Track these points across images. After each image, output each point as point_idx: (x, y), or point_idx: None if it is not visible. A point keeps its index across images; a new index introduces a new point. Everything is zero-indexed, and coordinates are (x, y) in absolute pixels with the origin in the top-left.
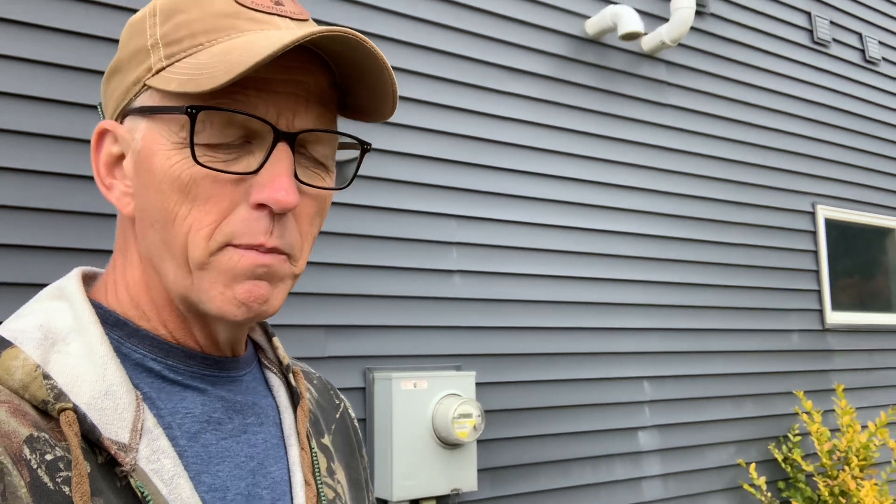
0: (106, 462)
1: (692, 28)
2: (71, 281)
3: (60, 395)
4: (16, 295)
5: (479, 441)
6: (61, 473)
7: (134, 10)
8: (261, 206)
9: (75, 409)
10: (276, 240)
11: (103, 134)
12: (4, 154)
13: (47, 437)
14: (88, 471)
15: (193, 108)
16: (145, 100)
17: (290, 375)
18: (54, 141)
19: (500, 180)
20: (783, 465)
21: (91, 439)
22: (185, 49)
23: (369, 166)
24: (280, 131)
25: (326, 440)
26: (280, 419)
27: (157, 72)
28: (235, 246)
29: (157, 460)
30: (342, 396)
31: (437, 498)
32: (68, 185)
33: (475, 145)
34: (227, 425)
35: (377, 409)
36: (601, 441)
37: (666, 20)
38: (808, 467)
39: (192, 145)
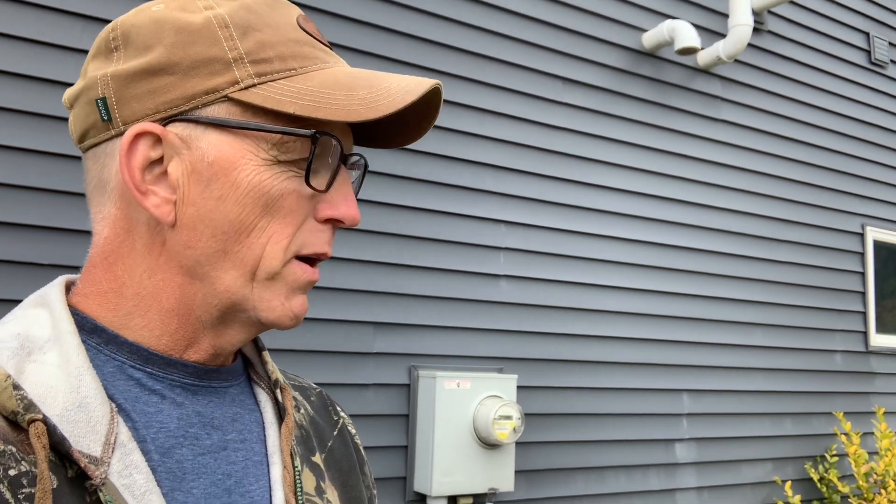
0: (76, 476)
1: (749, 45)
2: (53, 288)
3: (30, 406)
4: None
5: (517, 443)
6: (24, 490)
7: None
8: (327, 220)
9: (45, 421)
10: (331, 249)
11: (140, 136)
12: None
13: (14, 450)
14: (55, 485)
15: (318, 133)
16: (219, 112)
17: (278, 391)
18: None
19: (550, 188)
20: (819, 485)
21: (61, 451)
22: (276, 71)
23: (423, 170)
24: (345, 153)
25: (317, 458)
26: (265, 435)
27: (247, 87)
28: (300, 258)
29: (129, 475)
30: (342, 413)
31: (475, 496)
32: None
33: (528, 153)
34: (204, 441)
35: (420, 406)
36: (638, 450)
37: (723, 36)
38: (844, 489)
39: (308, 168)
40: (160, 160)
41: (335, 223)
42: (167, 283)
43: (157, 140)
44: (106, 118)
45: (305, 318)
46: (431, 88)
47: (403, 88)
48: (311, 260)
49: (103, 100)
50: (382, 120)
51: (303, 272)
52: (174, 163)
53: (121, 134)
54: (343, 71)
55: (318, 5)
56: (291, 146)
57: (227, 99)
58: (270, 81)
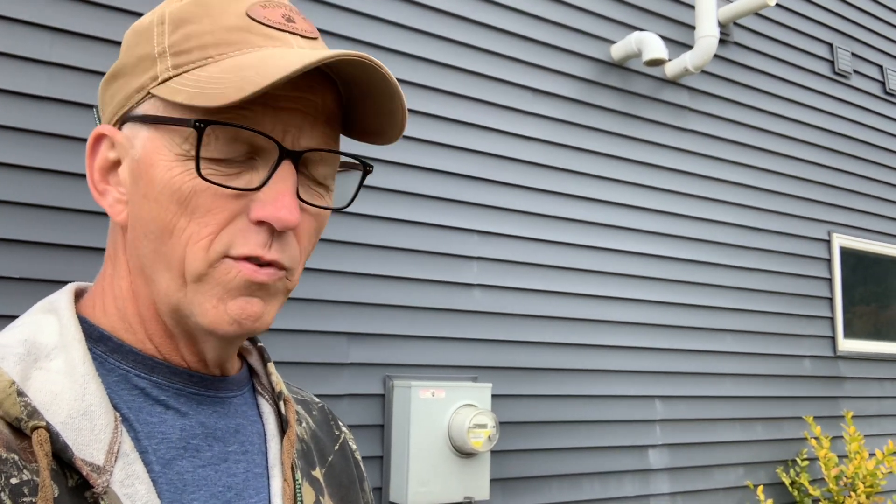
0: (77, 485)
1: (715, 56)
2: (62, 295)
3: (34, 413)
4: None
5: (492, 451)
6: (25, 499)
7: (139, 14)
8: (261, 222)
9: (48, 428)
10: (275, 253)
11: (100, 139)
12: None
13: (16, 458)
14: (56, 494)
15: (201, 122)
16: (148, 108)
17: (281, 403)
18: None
19: (522, 198)
20: (790, 488)
21: (63, 460)
22: (193, 61)
23: (396, 181)
24: (285, 149)
25: (318, 473)
26: (266, 447)
27: (163, 81)
28: (233, 258)
29: (131, 485)
30: (344, 428)
31: None
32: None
33: (500, 163)
34: (205, 453)
35: (395, 416)
36: (612, 457)
37: (690, 47)
38: (815, 492)
39: (197, 159)
40: (120, 161)
41: (266, 224)
42: (137, 287)
43: (113, 142)
44: (98, 122)
45: (280, 329)
46: (331, 60)
47: (288, 62)
48: (255, 260)
49: (96, 107)
50: (352, 103)
51: (237, 272)
52: (125, 163)
53: None
54: (266, 54)
55: None
56: (206, 141)
57: (150, 95)
58: (185, 73)
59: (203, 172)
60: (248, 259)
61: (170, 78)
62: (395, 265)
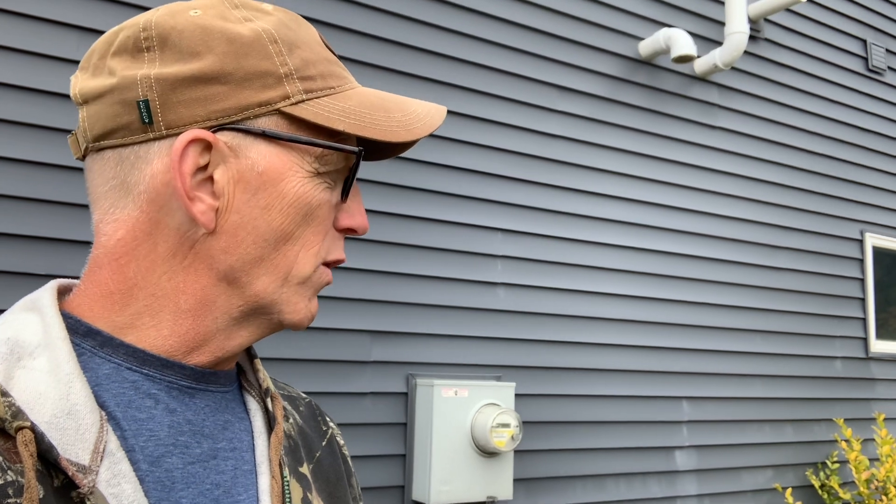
0: (62, 485)
1: (745, 52)
2: (45, 293)
3: (18, 413)
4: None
5: (516, 451)
6: (10, 500)
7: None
8: (344, 229)
9: (33, 428)
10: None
11: (192, 143)
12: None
13: (0, 459)
14: (42, 495)
15: (362, 150)
16: (269, 124)
17: (268, 400)
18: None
19: (546, 196)
20: (820, 491)
21: (49, 460)
22: (319, 88)
23: (418, 179)
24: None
25: (305, 469)
26: (254, 444)
27: (297, 103)
28: (325, 263)
29: (117, 484)
30: (331, 424)
31: None
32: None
33: (525, 161)
34: (194, 449)
35: (418, 414)
36: (637, 458)
37: (719, 44)
38: (846, 495)
39: (349, 182)
40: (204, 167)
41: (348, 232)
42: (189, 286)
43: (207, 147)
44: (147, 121)
45: None
46: (443, 117)
47: (427, 113)
48: (328, 265)
49: (146, 102)
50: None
51: (327, 275)
52: (220, 170)
53: (161, 138)
54: (371, 92)
55: (321, 17)
56: (329, 159)
57: (278, 112)
58: (315, 98)
59: (322, 186)
60: (333, 264)
61: (302, 101)
62: (418, 263)
